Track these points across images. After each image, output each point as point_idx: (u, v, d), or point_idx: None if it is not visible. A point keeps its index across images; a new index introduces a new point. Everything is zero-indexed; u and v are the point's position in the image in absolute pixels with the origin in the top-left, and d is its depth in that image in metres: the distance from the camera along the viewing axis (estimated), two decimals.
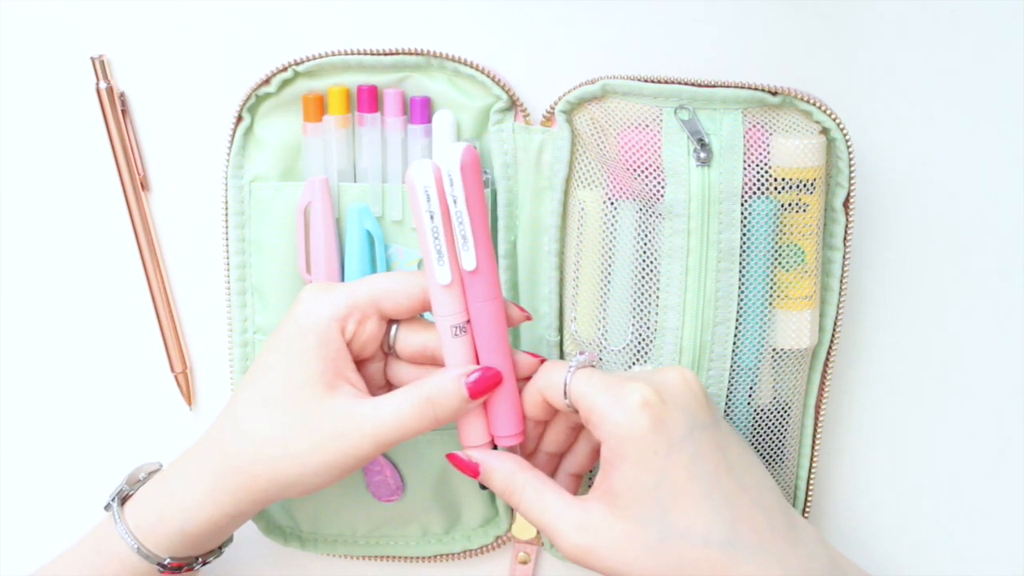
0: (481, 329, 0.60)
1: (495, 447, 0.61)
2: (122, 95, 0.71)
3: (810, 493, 0.69)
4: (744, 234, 0.64)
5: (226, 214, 0.69)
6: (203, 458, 0.61)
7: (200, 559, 0.63)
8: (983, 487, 0.74)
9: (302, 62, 0.67)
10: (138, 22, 0.71)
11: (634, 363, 0.67)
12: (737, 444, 0.59)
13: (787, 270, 0.66)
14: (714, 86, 0.64)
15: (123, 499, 0.62)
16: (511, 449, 0.61)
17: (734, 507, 0.56)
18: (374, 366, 0.63)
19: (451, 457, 0.61)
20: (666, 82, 0.65)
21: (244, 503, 0.60)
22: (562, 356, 0.70)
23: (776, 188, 0.64)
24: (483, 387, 0.59)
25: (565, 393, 0.58)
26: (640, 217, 0.65)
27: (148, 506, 0.61)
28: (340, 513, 0.72)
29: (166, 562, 0.61)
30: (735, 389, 0.66)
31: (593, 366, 0.60)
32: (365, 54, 0.67)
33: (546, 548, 0.73)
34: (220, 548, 0.65)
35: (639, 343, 0.66)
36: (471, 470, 0.60)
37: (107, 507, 0.62)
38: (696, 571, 0.54)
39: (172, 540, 0.60)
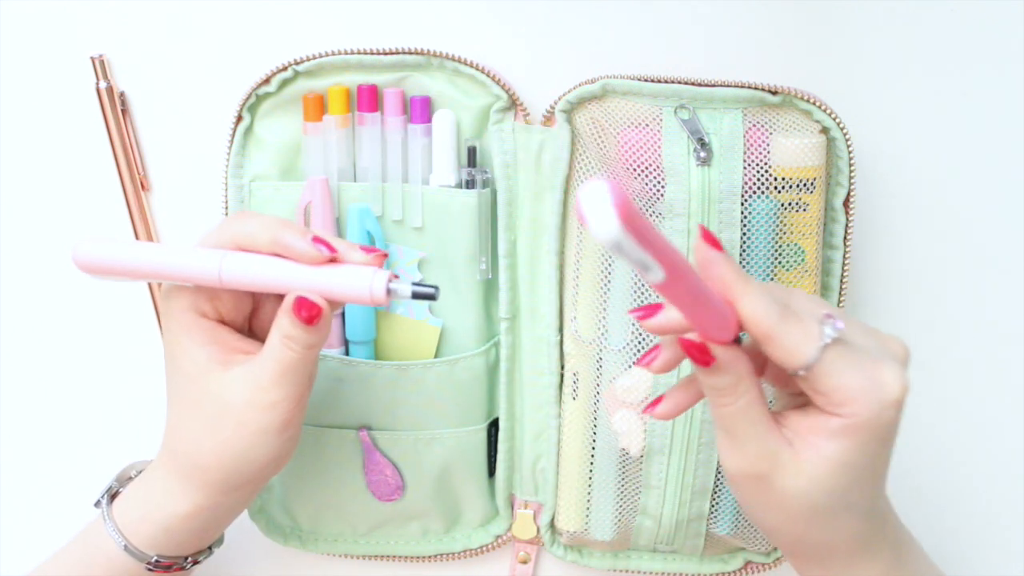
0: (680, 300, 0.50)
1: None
2: (122, 95, 0.71)
3: None
4: (744, 233, 0.65)
5: (226, 214, 0.69)
6: (165, 458, 0.61)
7: (189, 558, 0.63)
8: (984, 486, 0.74)
9: (302, 62, 0.67)
10: (138, 22, 0.71)
11: (634, 363, 0.67)
12: None
13: (787, 269, 0.66)
14: (714, 85, 0.64)
15: (112, 496, 0.62)
16: None
17: (882, 482, 0.56)
18: (270, 305, 0.62)
19: (687, 342, 0.52)
20: (666, 82, 0.65)
21: (215, 495, 0.60)
22: (562, 356, 0.70)
23: (776, 187, 0.64)
24: (300, 311, 0.57)
25: (806, 364, 0.51)
26: None
27: (132, 503, 0.61)
28: (340, 512, 0.72)
29: (153, 559, 0.61)
30: None
31: (842, 339, 0.52)
32: (365, 54, 0.67)
33: (546, 547, 0.73)
34: (210, 548, 0.64)
35: (639, 343, 0.66)
36: (704, 357, 0.52)
37: (97, 504, 0.62)
38: (837, 536, 0.54)
39: (157, 537, 0.60)
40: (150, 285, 0.73)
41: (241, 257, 0.57)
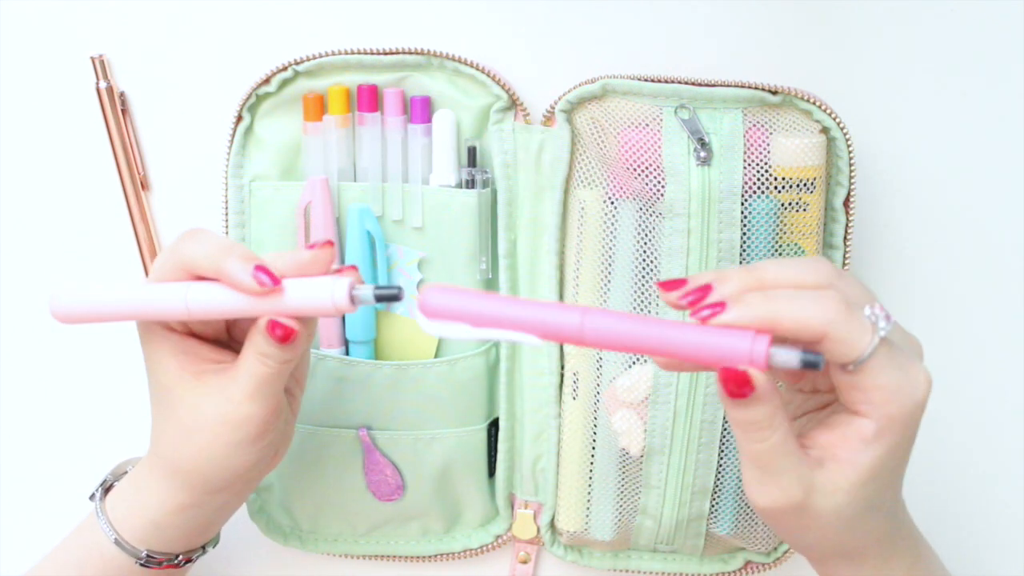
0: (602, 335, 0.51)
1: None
2: (122, 95, 0.71)
3: None
4: (744, 233, 0.64)
5: (226, 214, 0.69)
6: (152, 457, 0.61)
7: (181, 556, 0.63)
8: (983, 486, 0.74)
9: (302, 62, 0.67)
10: (138, 22, 0.71)
11: (634, 362, 0.67)
12: None
13: None
14: (714, 85, 0.64)
15: (107, 490, 0.63)
16: None
17: (902, 479, 0.55)
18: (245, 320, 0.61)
19: (730, 371, 0.50)
20: (666, 81, 0.65)
21: (199, 495, 0.60)
22: (562, 356, 0.70)
23: (776, 187, 0.64)
24: (275, 330, 0.57)
25: (858, 359, 0.50)
26: (640, 216, 0.65)
27: (122, 497, 0.62)
28: (340, 512, 0.72)
29: (143, 555, 0.61)
30: None
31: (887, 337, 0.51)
32: (365, 54, 0.67)
33: (546, 547, 0.73)
34: (203, 547, 0.65)
35: None
36: (743, 389, 0.50)
37: (92, 497, 0.62)
38: (868, 538, 0.54)
39: (147, 532, 0.61)
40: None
41: (204, 289, 0.56)
